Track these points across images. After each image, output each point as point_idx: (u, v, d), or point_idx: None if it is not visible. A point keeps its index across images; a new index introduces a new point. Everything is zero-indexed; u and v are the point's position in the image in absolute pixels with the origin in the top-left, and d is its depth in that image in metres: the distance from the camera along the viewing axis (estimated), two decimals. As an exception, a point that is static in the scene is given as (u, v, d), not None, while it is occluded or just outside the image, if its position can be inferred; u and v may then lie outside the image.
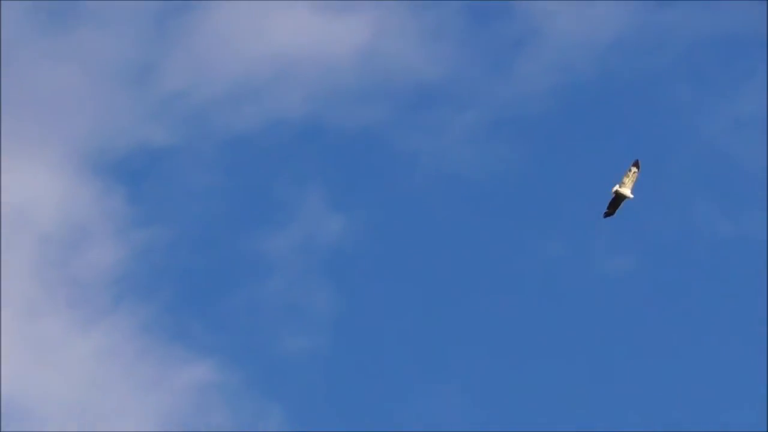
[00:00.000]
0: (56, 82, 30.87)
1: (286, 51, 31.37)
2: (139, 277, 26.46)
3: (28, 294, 24.93)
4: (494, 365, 26.21)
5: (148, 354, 24.29)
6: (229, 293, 26.33)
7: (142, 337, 24.66)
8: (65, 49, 31.67)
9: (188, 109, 30.72)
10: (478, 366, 26.95)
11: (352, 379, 25.38)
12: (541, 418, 24.28)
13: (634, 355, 26.72)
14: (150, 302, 25.74)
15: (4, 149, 26.87)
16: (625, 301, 28.70)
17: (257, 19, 32.05)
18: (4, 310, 22.89)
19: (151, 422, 22.25)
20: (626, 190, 13.70)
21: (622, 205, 13.85)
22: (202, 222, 28.59)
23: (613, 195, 13.77)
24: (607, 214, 14.05)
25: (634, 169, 13.65)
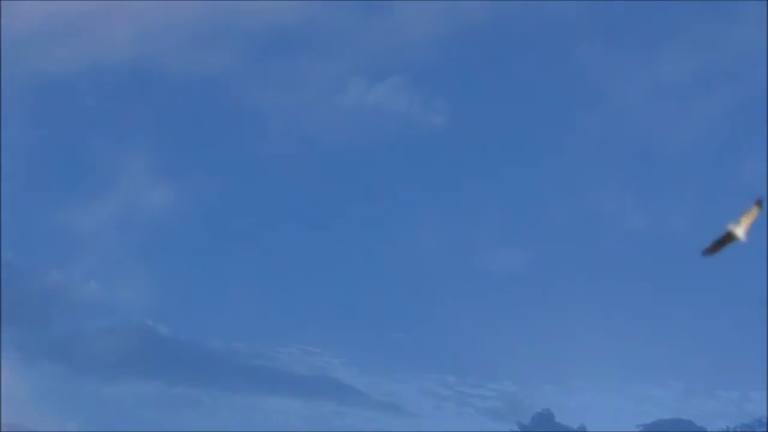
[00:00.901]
0: None
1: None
2: None
3: None
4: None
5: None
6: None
7: None
8: None
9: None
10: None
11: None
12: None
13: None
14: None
15: None
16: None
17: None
18: None
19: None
20: (741, 231, 12.02)
21: (728, 245, 12.12)
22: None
23: (726, 234, 12.05)
24: (709, 252, 12.33)
25: (755, 209, 12.03)
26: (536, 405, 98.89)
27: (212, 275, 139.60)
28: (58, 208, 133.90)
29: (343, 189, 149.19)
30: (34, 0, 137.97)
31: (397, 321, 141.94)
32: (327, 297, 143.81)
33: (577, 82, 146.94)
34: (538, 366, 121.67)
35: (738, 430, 56.90)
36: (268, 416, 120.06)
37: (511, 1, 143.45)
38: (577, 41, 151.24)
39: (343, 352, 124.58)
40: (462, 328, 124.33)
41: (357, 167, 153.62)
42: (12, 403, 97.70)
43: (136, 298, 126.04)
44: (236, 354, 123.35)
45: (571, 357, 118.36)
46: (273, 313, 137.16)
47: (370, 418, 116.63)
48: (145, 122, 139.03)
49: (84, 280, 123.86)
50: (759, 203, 12.05)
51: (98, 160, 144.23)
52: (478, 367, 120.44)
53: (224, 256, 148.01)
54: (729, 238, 12.22)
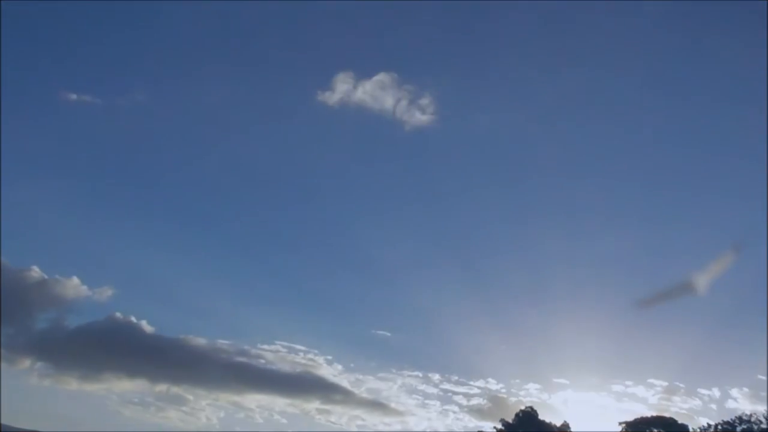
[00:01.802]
0: None
1: None
2: None
3: None
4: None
5: None
6: None
7: None
8: None
9: None
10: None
11: None
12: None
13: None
14: None
15: None
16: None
17: None
18: None
19: None
20: (703, 282, 11.32)
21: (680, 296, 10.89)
22: None
23: (684, 284, 11.28)
24: (651, 303, 11.24)
25: (728, 257, 11.07)
26: (520, 403, 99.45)
27: (196, 272, 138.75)
28: (38, 204, 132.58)
29: (327, 187, 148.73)
30: (34, 0, 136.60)
31: (381, 319, 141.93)
32: (311, 294, 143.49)
33: (574, 81, 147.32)
34: (521, 364, 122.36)
35: (720, 427, 57.45)
36: (252, 414, 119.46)
37: (507, 0, 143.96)
38: (575, 41, 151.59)
39: (328, 349, 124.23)
40: (446, 326, 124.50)
41: (342, 165, 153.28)
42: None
43: (118, 295, 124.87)
44: (220, 351, 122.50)
45: (554, 355, 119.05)
46: (257, 310, 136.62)
47: (355, 415, 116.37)
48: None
49: (66, 277, 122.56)
50: (735, 248, 11.57)
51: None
52: (462, 365, 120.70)
53: (207, 253, 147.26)
54: (685, 289, 11.55)
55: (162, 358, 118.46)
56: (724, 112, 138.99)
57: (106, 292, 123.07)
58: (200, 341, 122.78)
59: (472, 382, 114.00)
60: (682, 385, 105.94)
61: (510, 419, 70.92)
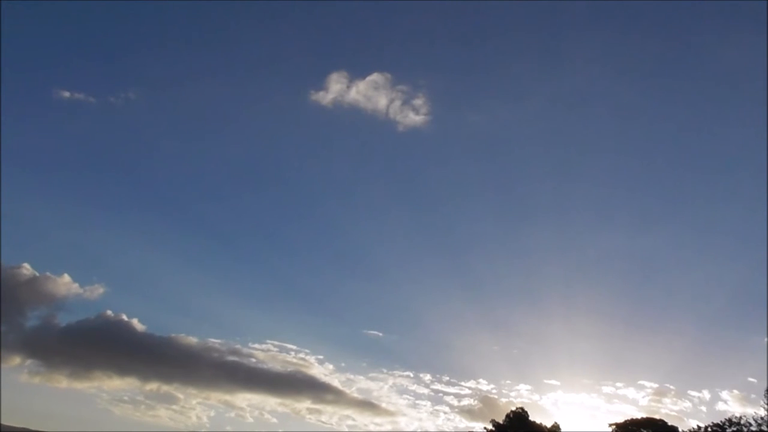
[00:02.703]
0: None
1: None
2: None
3: None
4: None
5: None
6: None
7: None
8: None
9: None
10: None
11: None
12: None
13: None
14: None
15: None
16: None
17: None
18: None
19: None
20: None
21: None
22: None
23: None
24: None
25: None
26: (510, 404, 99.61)
27: (187, 271, 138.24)
28: (29, 201, 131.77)
29: (319, 187, 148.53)
30: (34, 0, 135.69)
31: (372, 318, 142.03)
32: (303, 293, 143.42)
33: (568, 82, 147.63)
34: (512, 365, 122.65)
35: (710, 429, 57.49)
36: (243, 413, 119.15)
37: (502, 1, 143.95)
38: (568, 42, 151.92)
39: (319, 348, 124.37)
40: (438, 326, 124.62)
41: (334, 165, 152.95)
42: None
43: (110, 293, 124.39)
44: (211, 350, 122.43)
45: (545, 357, 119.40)
46: (248, 309, 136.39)
47: (345, 415, 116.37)
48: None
49: (57, 274, 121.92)
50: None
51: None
52: (454, 365, 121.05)
53: (199, 252, 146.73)
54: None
55: (153, 357, 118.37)
56: (724, 112, 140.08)
57: (98, 290, 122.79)
58: (191, 340, 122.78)
59: (463, 383, 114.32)
60: (672, 387, 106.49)
61: (501, 420, 70.85)
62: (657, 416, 67.05)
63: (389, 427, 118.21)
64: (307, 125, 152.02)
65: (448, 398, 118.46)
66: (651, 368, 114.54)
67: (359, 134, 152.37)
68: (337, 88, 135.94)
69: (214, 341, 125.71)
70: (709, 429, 57.33)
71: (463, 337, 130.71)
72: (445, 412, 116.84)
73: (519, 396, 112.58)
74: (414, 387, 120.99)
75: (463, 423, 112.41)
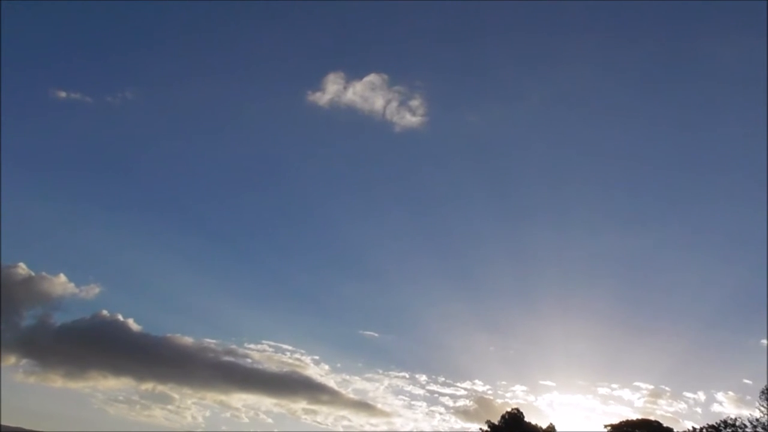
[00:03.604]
0: None
1: None
2: None
3: None
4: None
5: None
6: None
7: None
8: None
9: None
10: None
11: None
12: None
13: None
14: None
15: None
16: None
17: None
18: None
19: None
20: None
21: None
22: None
23: None
24: None
25: None
26: (506, 405, 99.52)
27: (183, 271, 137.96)
28: (25, 200, 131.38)
29: (316, 188, 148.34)
30: (34, 0, 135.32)
31: (369, 319, 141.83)
32: (299, 294, 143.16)
33: (564, 82, 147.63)
34: (508, 366, 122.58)
35: (705, 431, 57.56)
36: (238, 413, 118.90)
37: (498, 1, 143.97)
38: (564, 42, 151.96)
39: (315, 349, 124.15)
40: (434, 327, 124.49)
41: (331, 166, 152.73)
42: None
43: (105, 293, 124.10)
44: (206, 350, 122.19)
45: (541, 358, 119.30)
46: (244, 309, 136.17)
47: (341, 416, 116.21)
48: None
49: (52, 274, 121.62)
50: None
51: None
52: (449, 366, 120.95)
53: (195, 252, 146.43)
54: None
55: (148, 357, 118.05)
56: (721, 113, 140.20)
57: (93, 290, 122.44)
58: (187, 340, 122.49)
59: (458, 384, 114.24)
60: (667, 389, 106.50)
61: (496, 421, 70.79)
62: (652, 417, 67.07)
63: (385, 428, 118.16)
64: (304, 126, 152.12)
65: (443, 399, 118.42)
66: (646, 370, 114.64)
67: (356, 135, 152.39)
68: (334, 89, 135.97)
69: (210, 341, 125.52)
70: (705, 430, 57.29)
71: (458, 338, 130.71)
72: (440, 413, 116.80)
73: (514, 397, 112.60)
74: (410, 388, 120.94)
75: (459, 424, 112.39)
